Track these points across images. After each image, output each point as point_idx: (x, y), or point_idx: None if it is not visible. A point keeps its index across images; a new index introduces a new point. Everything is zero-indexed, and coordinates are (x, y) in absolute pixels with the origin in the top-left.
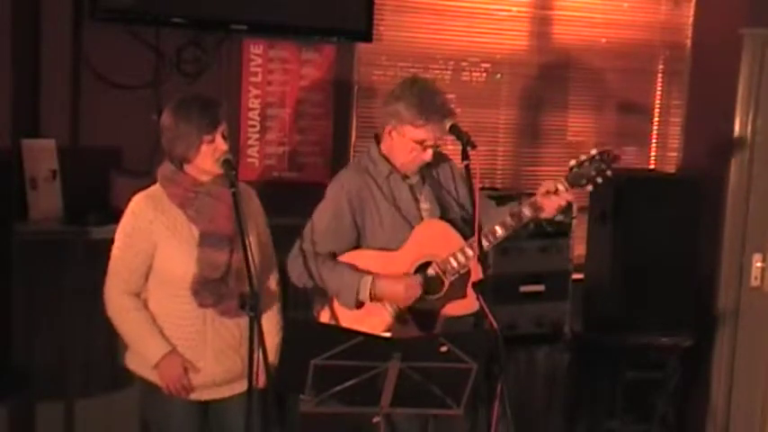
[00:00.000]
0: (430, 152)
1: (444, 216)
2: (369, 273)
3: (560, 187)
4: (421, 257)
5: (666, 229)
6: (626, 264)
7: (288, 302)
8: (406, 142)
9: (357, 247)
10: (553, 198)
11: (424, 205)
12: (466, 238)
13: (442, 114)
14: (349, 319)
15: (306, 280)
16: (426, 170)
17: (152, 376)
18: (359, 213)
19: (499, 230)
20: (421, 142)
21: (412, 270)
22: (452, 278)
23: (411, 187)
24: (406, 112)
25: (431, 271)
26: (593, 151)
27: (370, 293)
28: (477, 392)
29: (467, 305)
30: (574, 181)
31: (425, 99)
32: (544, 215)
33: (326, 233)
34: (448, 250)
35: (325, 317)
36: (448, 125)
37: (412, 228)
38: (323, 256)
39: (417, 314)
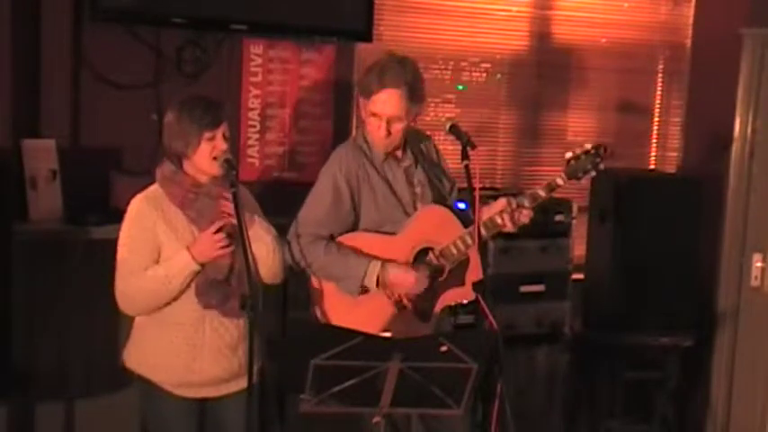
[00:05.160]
0: (383, 127)
1: (436, 198)
2: (374, 258)
3: (526, 203)
4: (420, 243)
5: (666, 228)
6: (626, 263)
7: (288, 302)
8: (367, 116)
9: (354, 228)
10: (516, 216)
11: (417, 189)
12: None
13: (387, 83)
14: (345, 319)
15: (303, 265)
16: (417, 151)
17: (149, 374)
18: (356, 193)
19: (482, 231)
20: (373, 115)
21: (411, 255)
22: (452, 266)
23: (406, 170)
24: (360, 85)
25: (431, 258)
26: (588, 145)
27: (378, 279)
28: (477, 392)
29: (463, 293)
30: (572, 174)
31: (374, 70)
32: (506, 230)
33: (326, 217)
34: (447, 237)
35: (320, 315)
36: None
37: (404, 210)
38: (324, 239)
39: (416, 300)
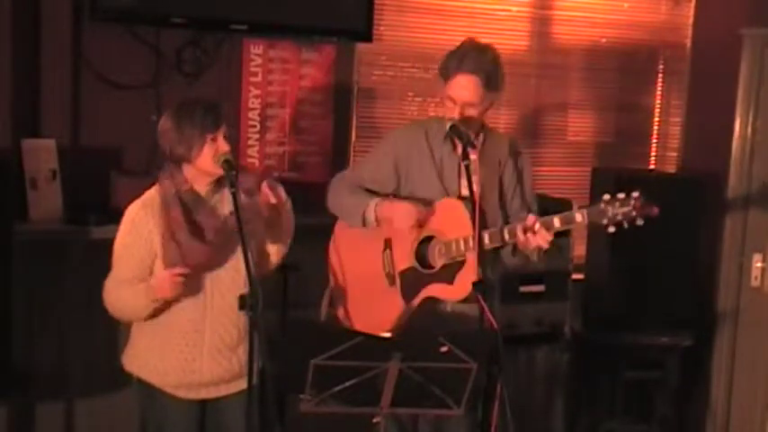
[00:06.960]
0: (457, 110)
1: (482, 201)
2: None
3: (545, 226)
4: (428, 230)
5: (666, 228)
6: (626, 263)
7: (288, 302)
8: (444, 99)
9: (394, 194)
10: (530, 237)
11: (473, 186)
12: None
13: (464, 68)
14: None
15: (330, 203)
16: (493, 156)
17: (149, 377)
18: (403, 163)
19: (486, 238)
20: (449, 98)
21: (417, 238)
22: (448, 261)
23: (467, 165)
24: (440, 68)
25: (433, 245)
26: (635, 194)
27: (376, 213)
28: (477, 392)
29: (451, 292)
30: (595, 215)
31: (455, 54)
32: (521, 248)
33: (365, 172)
34: (454, 233)
35: (341, 313)
36: (476, 81)
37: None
38: (355, 186)
39: (404, 280)
